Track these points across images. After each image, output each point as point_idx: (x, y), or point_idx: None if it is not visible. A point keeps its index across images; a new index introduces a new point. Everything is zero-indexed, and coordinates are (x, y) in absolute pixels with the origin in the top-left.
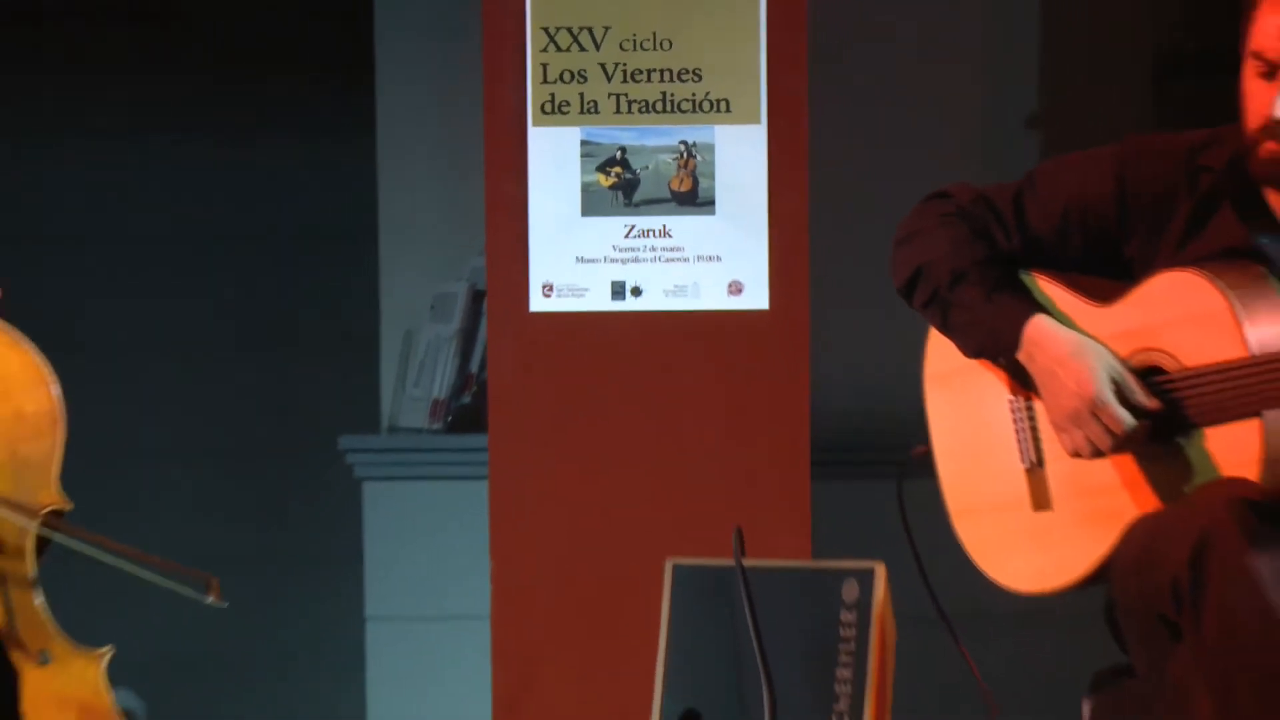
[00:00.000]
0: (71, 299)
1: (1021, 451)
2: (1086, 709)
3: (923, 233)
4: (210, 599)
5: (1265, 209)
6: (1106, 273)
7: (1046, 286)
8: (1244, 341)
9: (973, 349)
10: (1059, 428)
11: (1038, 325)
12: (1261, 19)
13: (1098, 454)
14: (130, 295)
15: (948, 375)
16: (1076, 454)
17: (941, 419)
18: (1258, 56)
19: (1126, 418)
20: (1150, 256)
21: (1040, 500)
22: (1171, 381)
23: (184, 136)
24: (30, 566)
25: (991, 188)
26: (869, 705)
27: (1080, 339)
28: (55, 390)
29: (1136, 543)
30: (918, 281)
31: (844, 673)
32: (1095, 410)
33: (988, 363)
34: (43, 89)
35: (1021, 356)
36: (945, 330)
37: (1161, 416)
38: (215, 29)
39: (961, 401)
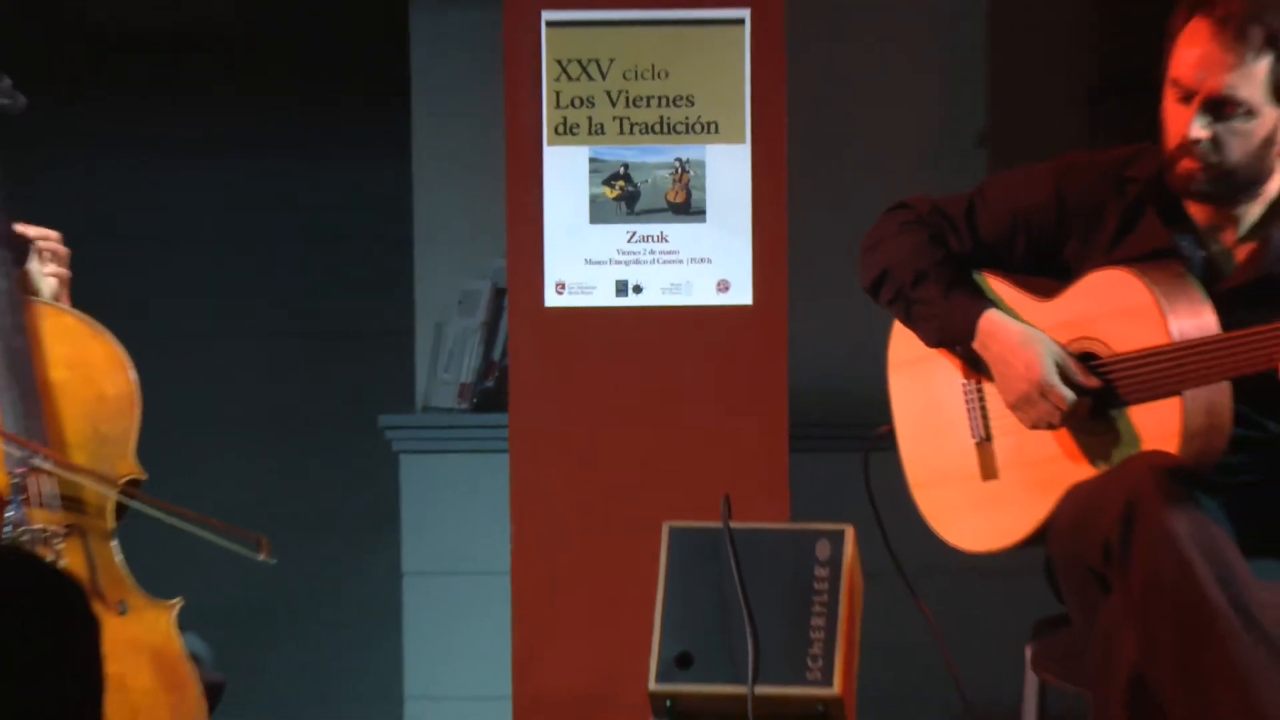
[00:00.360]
0: (153, 293)
1: (972, 428)
2: (1029, 653)
3: (886, 239)
4: (261, 556)
5: (1184, 215)
6: (1047, 272)
7: (996, 284)
8: (1167, 331)
9: (933, 339)
10: (1014, 407)
11: (990, 318)
12: (1179, 50)
13: (1050, 428)
14: (201, 291)
15: (908, 363)
16: (1035, 427)
17: (902, 401)
18: (1176, 84)
19: (1070, 395)
20: (1085, 257)
21: (988, 471)
22: (1104, 366)
23: (248, 153)
24: (109, 525)
25: (945, 199)
26: (839, 649)
27: (1028, 329)
28: (133, 375)
29: (1072, 508)
30: (884, 281)
31: (817, 621)
32: (1043, 391)
33: (944, 351)
34: (130, 115)
35: (977, 346)
36: (908, 323)
37: (1096, 396)
38: (278, 62)
39: (920, 385)
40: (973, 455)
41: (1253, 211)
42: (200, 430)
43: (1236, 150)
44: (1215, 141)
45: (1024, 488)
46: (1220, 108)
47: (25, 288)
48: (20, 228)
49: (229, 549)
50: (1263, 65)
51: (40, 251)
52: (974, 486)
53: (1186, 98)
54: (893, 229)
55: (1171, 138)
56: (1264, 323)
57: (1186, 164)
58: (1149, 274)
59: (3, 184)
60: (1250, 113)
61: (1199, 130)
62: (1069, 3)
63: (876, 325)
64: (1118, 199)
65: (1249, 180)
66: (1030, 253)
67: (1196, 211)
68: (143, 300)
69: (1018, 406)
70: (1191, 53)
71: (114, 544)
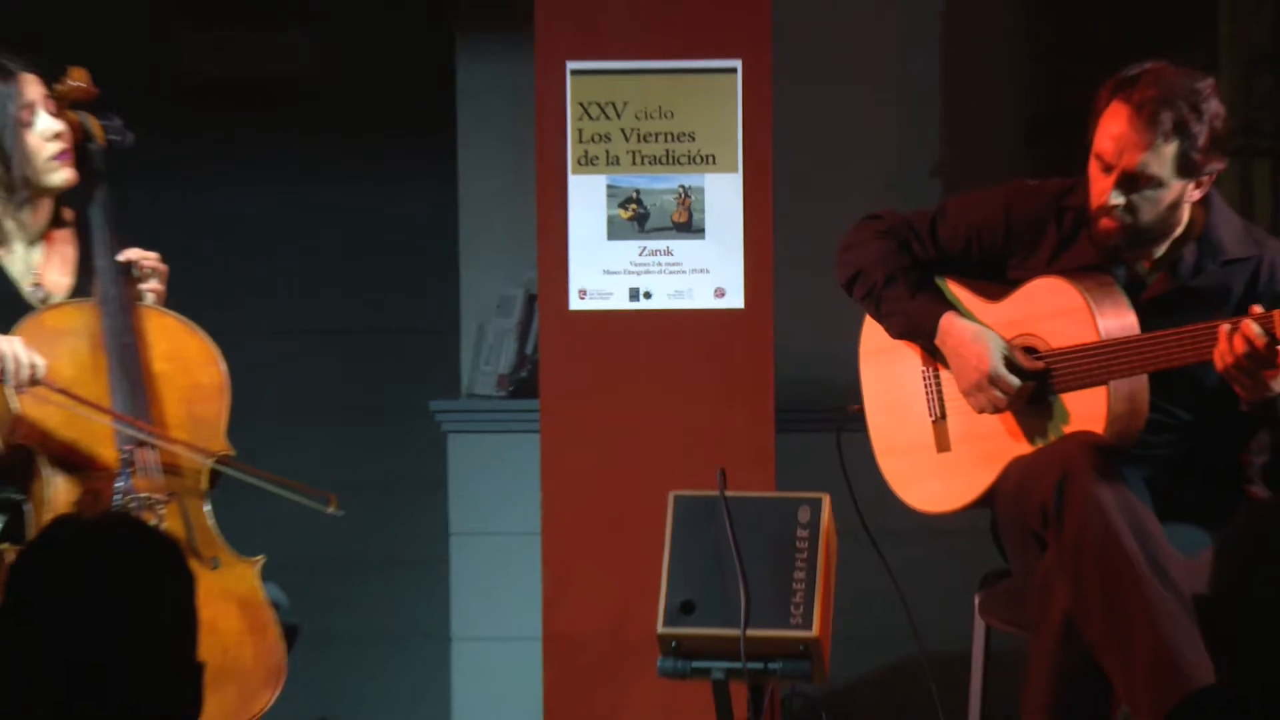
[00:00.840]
0: (241, 298)
1: (930, 408)
2: (977, 601)
3: (861, 243)
4: (330, 509)
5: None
6: (996, 279)
7: (954, 288)
8: (1097, 330)
9: (898, 333)
10: (966, 393)
11: (949, 318)
12: (1102, 126)
13: (997, 411)
14: (282, 295)
15: (876, 352)
16: (982, 411)
17: (871, 384)
18: (1098, 157)
19: (1015, 381)
20: (1027, 269)
21: (942, 444)
22: (1042, 358)
23: (320, 181)
24: (204, 493)
25: (912, 213)
26: (817, 598)
27: (979, 328)
28: (223, 367)
29: (1014, 477)
30: (857, 279)
31: (799, 574)
32: (992, 379)
33: (907, 342)
34: (222, 150)
35: (937, 341)
36: (877, 317)
37: (1036, 381)
38: (348, 105)
39: (886, 371)
40: (929, 431)
41: (1162, 247)
42: (279, 413)
43: (1147, 214)
44: (1130, 207)
45: (972, 460)
46: (1135, 181)
47: (133, 295)
48: (126, 254)
49: (305, 506)
50: (1171, 147)
51: (142, 269)
52: (930, 457)
53: (1107, 169)
54: (867, 235)
55: (1094, 199)
56: (1177, 325)
57: (1106, 223)
58: (1082, 282)
59: (115, 209)
60: (1160, 185)
61: (1116, 198)
62: (1008, 53)
63: (849, 324)
64: (1057, 222)
65: (1158, 235)
66: (982, 262)
67: None
68: (232, 304)
69: (969, 393)
70: (1112, 131)
71: (207, 509)
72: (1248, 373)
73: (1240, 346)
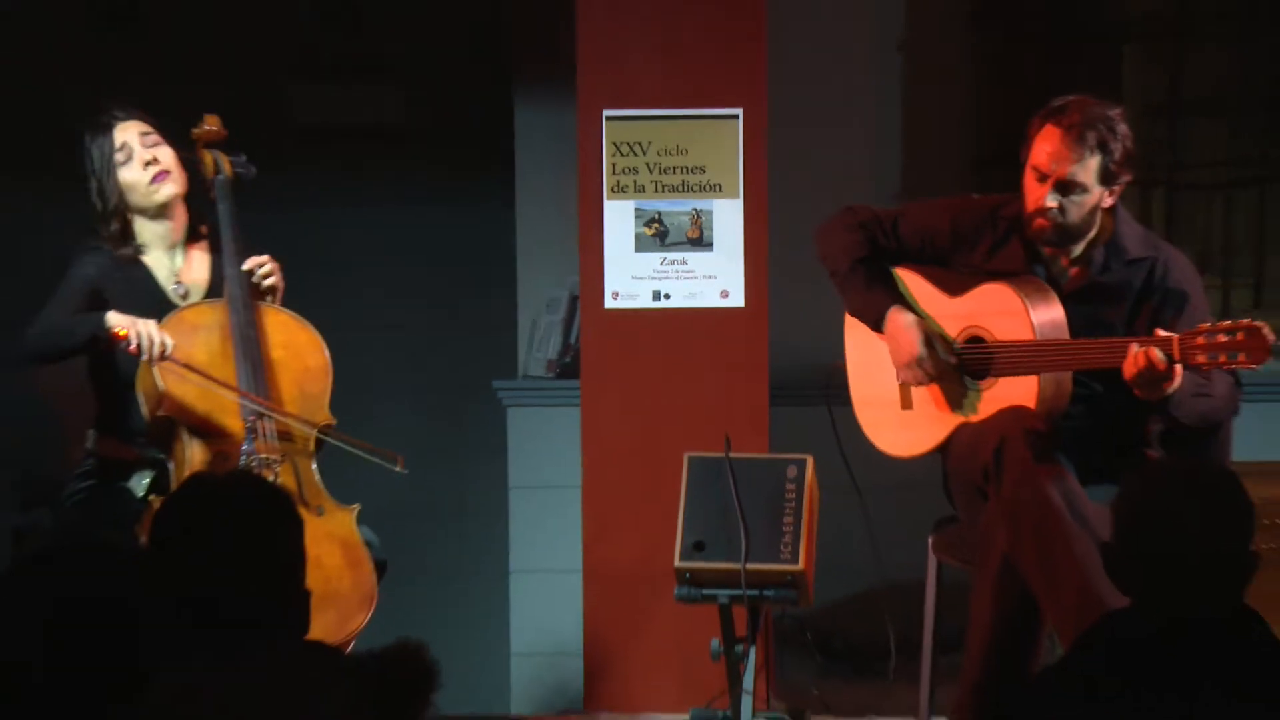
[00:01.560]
0: (343, 297)
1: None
2: (930, 541)
3: (836, 231)
4: (397, 468)
5: (1035, 246)
6: (947, 268)
7: (908, 279)
8: (1033, 327)
9: (852, 313)
10: (899, 370)
11: (894, 311)
12: (1037, 144)
13: (920, 385)
14: (376, 296)
15: (858, 322)
16: (907, 384)
17: (853, 347)
18: (1035, 169)
19: (934, 364)
20: (968, 265)
21: (906, 402)
22: (987, 348)
23: (406, 204)
24: (311, 454)
25: (881, 210)
26: (803, 539)
27: (914, 320)
28: (326, 354)
29: (963, 441)
30: (827, 259)
31: (788, 519)
32: (919, 361)
33: None
34: (328, 178)
35: (883, 327)
36: (839, 293)
37: (970, 365)
38: (427, 142)
39: (865, 338)
40: (896, 390)
41: (1079, 248)
42: (373, 391)
43: (1074, 215)
44: (1061, 209)
45: (927, 418)
46: (1066, 187)
47: (255, 294)
48: (249, 262)
49: (382, 465)
50: (1095, 160)
51: (261, 273)
52: (896, 412)
53: (1042, 178)
54: (839, 226)
55: (1030, 204)
56: (1091, 316)
57: (1040, 223)
58: (1021, 287)
59: (241, 226)
60: (1085, 190)
61: (1050, 201)
62: (960, 97)
63: (829, 320)
64: (993, 229)
65: (1081, 233)
66: (933, 257)
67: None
68: (334, 304)
69: (900, 369)
70: (1046, 148)
71: (314, 467)
72: (1149, 382)
73: (1144, 363)
